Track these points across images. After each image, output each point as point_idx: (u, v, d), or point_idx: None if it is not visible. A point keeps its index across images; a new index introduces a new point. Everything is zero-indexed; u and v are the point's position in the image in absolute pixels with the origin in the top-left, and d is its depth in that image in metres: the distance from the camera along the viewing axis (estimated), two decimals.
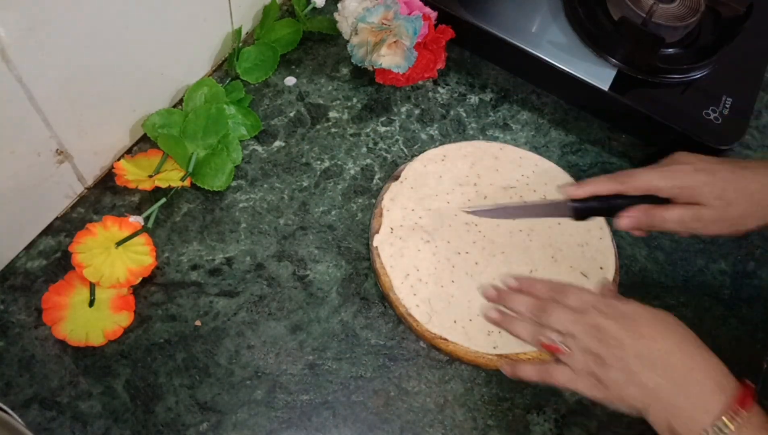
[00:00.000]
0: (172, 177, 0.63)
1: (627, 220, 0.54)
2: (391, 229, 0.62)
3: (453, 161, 0.66)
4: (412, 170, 0.66)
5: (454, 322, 0.58)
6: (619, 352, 0.46)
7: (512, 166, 0.66)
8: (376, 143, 0.70)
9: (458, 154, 0.67)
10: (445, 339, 0.57)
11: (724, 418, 0.41)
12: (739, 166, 0.53)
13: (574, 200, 0.56)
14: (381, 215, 0.63)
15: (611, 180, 0.54)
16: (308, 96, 0.72)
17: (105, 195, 0.64)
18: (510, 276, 0.57)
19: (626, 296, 0.62)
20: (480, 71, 0.77)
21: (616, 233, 0.65)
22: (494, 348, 0.57)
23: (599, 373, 0.47)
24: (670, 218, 0.53)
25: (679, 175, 0.53)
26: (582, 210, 0.56)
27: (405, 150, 0.70)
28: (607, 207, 0.55)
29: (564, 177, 0.67)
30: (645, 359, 0.45)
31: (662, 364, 0.45)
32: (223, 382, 0.55)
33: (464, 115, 0.73)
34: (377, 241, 0.61)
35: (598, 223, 0.64)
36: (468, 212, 0.62)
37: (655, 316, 0.48)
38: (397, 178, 0.65)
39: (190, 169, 0.64)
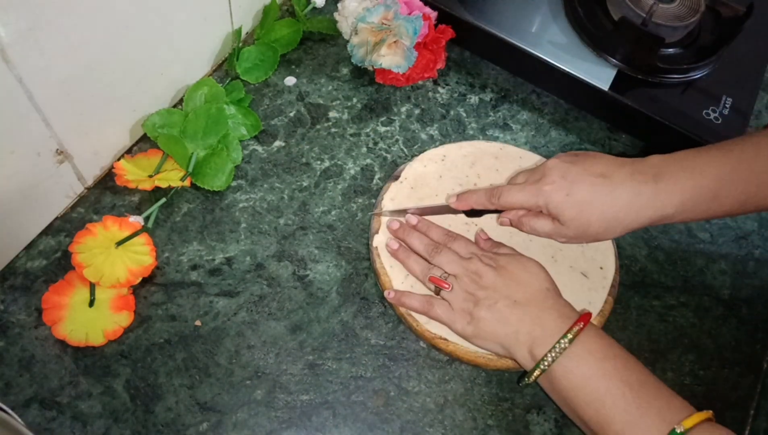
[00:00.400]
0: (172, 177, 0.63)
1: (503, 221, 0.61)
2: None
3: (453, 161, 0.66)
4: (412, 170, 0.66)
5: None
6: (493, 294, 0.54)
7: (512, 166, 0.66)
8: (376, 143, 0.70)
9: (458, 154, 0.67)
10: (445, 339, 0.57)
11: (567, 334, 0.51)
12: (599, 183, 0.55)
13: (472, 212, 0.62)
14: (381, 215, 0.63)
15: (485, 197, 0.60)
16: (308, 96, 0.73)
17: (105, 195, 0.64)
18: (412, 214, 0.62)
19: (626, 297, 0.63)
20: (480, 71, 0.77)
21: None
22: None
23: (474, 311, 0.54)
24: (539, 229, 0.58)
25: (541, 195, 0.56)
26: (470, 212, 0.62)
27: (405, 150, 0.70)
28: (490, 210, 0.61)
29: None
30: (512, 301, 0.54)
31: (525, 304, 0.54)
32: (223, 382, 0.55)
33: (464, 115, 0.73)
34: (377, 241, 0.61)
35: None
36: (375, 214, 0.63)
37: (525, 266, 0.56)
38: (397, 178, 0.65)
39: (190, 169, 0.64)
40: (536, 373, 0.51)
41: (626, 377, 0.49)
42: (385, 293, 0.59)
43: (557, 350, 0.50)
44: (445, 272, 0.57)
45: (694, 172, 0.54)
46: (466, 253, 0.58)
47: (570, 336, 0.51)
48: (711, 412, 0.47)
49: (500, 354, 0.55)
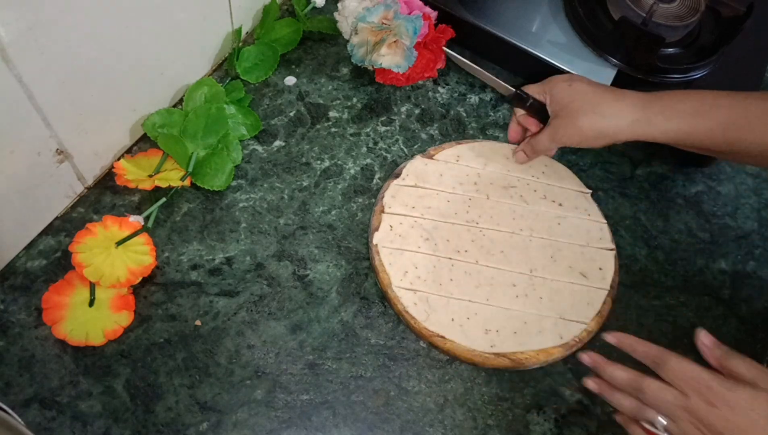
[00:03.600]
0: (172, 177, 0.63)
1: (519, 154, 0.67)
2: (391, 226, 0.62)
3: (467, 161, 0.67)
4: (413, 168, 0.66)
5: (452, 320, 0.58)
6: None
7: (523, 167, 0.67)
8: (376, 143, 0.70)
9: (471, 155, 0.67)
10: (443, 337, 0.57)
11: None
12: (600, 85, 0.61)
13: (518, 90, 0.66)
14: (381, 213, 0.63)
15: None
16: (308, 96, 0.72)
17: (105, 195, 0.64)
18: (609, 332, 0.52)
19: (626, 297, 0.63)
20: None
21: (616, 233, 0.66)
22: (491, 347, 0.57)
23: None
24: (541, 140, 0.63)
25: (548, 83, 0.64)
26: (517, 96, 0.65)
27: (405, 150, 0.70)
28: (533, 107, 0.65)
29: (573, 179, 0.67)
30: None
31: None
32: (223, 382, 0.55)
33: (464, 114, 0.73)
34: (377, 238, 0.61)
35: (598, 224, 0.64)
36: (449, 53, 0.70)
37: (765, 414, 0.42)
38: (398, 175, 0.65)
39: (190, 169, 0.64)
40: None
41: None
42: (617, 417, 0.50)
43: None
44: (661, 416, 0.46)
45: (684, 93, 0.60)
46: (680, 382, 0.45)
47: None
48: None
49: None
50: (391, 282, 0.59)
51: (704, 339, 0.48)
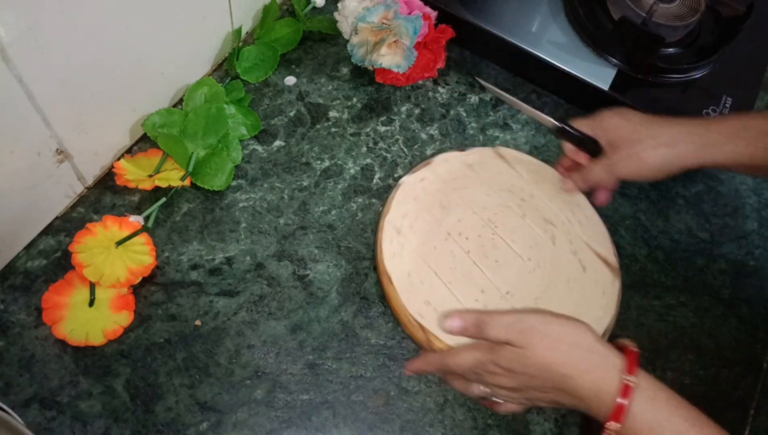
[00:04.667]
0: (172, 177, 0.63)
1: (568, 183, 0.64)
2: (396, 227, 0.62)
3: (484, 167, 0.66)
4: (446, 164, 0.65)
5: None
6: (531, 387, 0.50)
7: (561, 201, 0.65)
8: (376, 143, 0.70)
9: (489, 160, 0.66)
10: (441, 339, 0.57)
11: (627, 378, 0.46)
12: (651, 115, 0.60)
13: (563, 125, 0.62)
14: (398, 191, 0.63)
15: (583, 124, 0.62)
16: (308, 95, 0.73)
17: (105, 194, 0.64)
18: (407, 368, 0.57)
19: (626, 297, 0.62)
20: (480, 71, 0.77)
21: (616, 233, 0.66)
22: None
23: (526, 402, 0.52)
24: (596, 172, 0.61)
25: (598, 118, 0.61)
26: (563, 130, 0.62)
27: (405, 150, 0.70)
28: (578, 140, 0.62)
29: (605, 240, 0.64)
30: (549, 385, 0.49)
31: (559, 387, 0.48)
32: (223, 382, 0.55)
33: (464, 114, 0.73)
34: (388, 220, 0.61)
35: (608, 305, 0.61)
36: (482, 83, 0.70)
37: (526, 362, 0.49)
38: (428, 164, 0.65)
39: (190, 169, 0.64)
40: None
41: None
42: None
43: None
44: (485, 391, 0.53)
45: (748, 116, 0.59)
46: (466, 371, 0.52)
47: (633, 378, 0.46)
48: None
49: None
50: (392, 281, 0.59)
51: (452, 324, 0.54)
